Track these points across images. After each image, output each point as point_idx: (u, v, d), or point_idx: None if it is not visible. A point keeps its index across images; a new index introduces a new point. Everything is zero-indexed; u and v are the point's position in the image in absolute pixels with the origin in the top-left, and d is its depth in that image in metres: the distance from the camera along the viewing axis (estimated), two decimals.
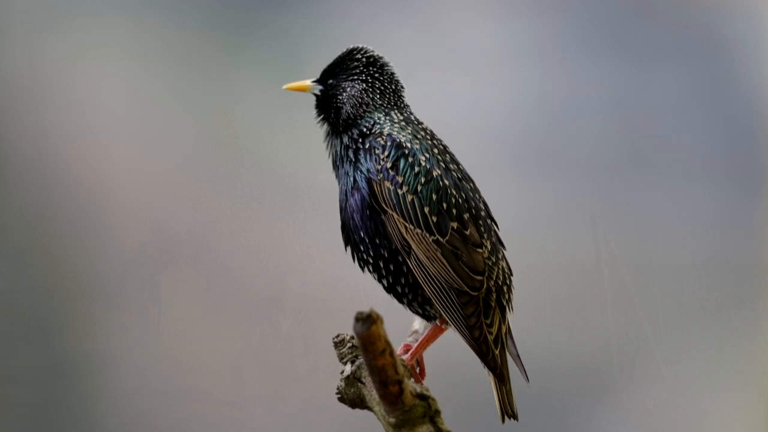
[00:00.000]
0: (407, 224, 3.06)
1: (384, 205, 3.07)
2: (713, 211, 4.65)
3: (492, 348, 3.08)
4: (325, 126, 3.25)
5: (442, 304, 3.06)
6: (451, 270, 3.06)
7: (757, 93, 4.68)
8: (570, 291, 4.59)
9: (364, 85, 3.21)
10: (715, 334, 4.58)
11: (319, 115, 3.26)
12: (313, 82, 3.28)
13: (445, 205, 3.07)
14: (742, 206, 4.65)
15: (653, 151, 4.70)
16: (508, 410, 3.11)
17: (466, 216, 3.08)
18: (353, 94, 3.20)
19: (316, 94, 3.26)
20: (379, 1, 4.74)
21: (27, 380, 4.56)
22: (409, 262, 3.06)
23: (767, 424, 4.56)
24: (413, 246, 3.05)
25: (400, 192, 3.07)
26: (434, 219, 3.06)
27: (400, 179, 3.08)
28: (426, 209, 3.06)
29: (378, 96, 3.20)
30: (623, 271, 4.58)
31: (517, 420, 3.12)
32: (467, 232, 3.08)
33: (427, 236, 3.06)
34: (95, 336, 4.58)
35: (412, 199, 3.06)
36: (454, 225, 3.07)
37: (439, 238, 3.06)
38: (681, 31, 4.71)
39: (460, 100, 4.71)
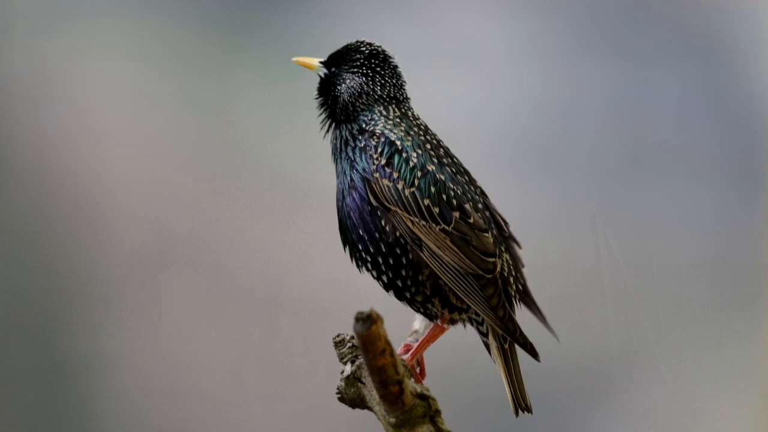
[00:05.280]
0: (412, 218, 3.08)
1: (386, 203, 3.09)
2: (713, 211, 4.65)
3: (518, 325, 3.09)
4: (323, 111, 3.26)
5: (462, 291, 3.07)
6: (463, 256, 3.07)
7: (757, 93, 4.68)
8: (570, 291, 4.58)
9: (364, 78, 3.22)
10: (715, 334, 4.58)
11: (319, 98, 3.28)
12: (320, 63, 3.30)
13: (444, 197, 3.09)
14: (742, 206, 4.65)
15: (653, 151, 4.70)
16: (521, 403, 3.10)
17: (467, 206, 3.10)
18: (351, 85, 3.22)
19: (320, 76, 3.29)
20: (379, 1, 4.74)
21: (27, 380, 4.56)
22: (422, 255, 3.07)
23: (767, 424, 4.56)
24: (423, 238, 3.07)
25: (399, 187, 3.09)
26: (436, 210, 3.08)
27: (396, 175, 3.10)
28: (426, 201, 3.08)
29: (379, 89, 3.21)
30: (623, 271, 4.58)
31: (531, 413, 3.11)
32: (471, 220, 3.09)
33: (433, 226, 3.07)
34: (95, 336, 4.58)
35: (412, 192, 3.08)
36: (456, 214, 3.08)
37: (445, 226, 3.08)
38: (681, 31, 4.71)
39: (460, 100, 4.71)
